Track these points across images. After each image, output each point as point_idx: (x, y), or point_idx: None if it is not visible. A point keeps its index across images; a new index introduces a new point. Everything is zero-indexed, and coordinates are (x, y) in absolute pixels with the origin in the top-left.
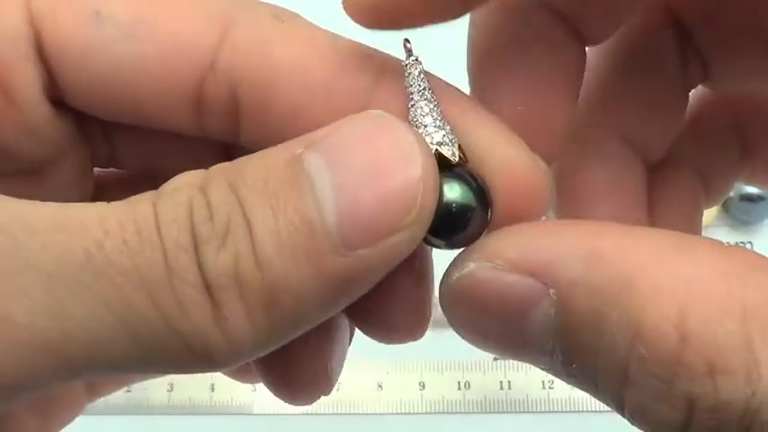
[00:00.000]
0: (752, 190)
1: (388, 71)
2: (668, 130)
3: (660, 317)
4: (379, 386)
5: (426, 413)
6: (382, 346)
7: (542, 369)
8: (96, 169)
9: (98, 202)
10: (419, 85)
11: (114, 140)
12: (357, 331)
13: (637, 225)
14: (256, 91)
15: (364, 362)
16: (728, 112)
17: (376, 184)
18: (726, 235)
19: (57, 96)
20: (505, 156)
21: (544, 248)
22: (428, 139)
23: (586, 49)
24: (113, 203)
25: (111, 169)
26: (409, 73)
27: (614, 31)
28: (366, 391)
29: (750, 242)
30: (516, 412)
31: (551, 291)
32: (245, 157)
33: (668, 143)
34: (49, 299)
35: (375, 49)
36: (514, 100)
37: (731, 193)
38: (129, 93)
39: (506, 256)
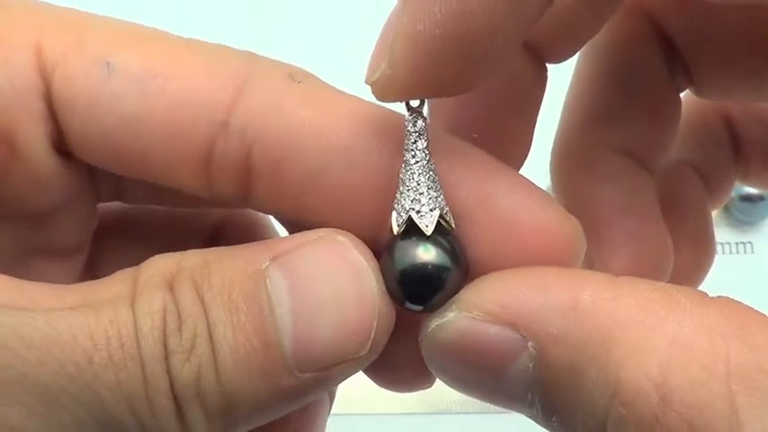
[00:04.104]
0: (752, 190)
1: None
2: (666, 136)
3: (640, 375)
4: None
5: (426, 413)
6: None
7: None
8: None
9: (87, 309)
10: (415, 144)
11: (123, 185)
12: None
13: (657, 236)
14: (272, 151)
15: None
16: (718, 111)
17: (333, 318)
18: (726, 235)
19: (66, 148)
20: (538, 215)
21: (524, 300)
22: (415, 206)
23: (576, 61)
24: (101, 308)
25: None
26: (408, 131)
27: (576, 51)
28: (366, 391)
29: (750, 242)
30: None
31: (530, 344)
32: (215, 253)
33: (668, 148)
34: (41, 406)
35: (393, 111)
36: (468, 128)
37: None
38: (137, 149)
39: (485, 306)
